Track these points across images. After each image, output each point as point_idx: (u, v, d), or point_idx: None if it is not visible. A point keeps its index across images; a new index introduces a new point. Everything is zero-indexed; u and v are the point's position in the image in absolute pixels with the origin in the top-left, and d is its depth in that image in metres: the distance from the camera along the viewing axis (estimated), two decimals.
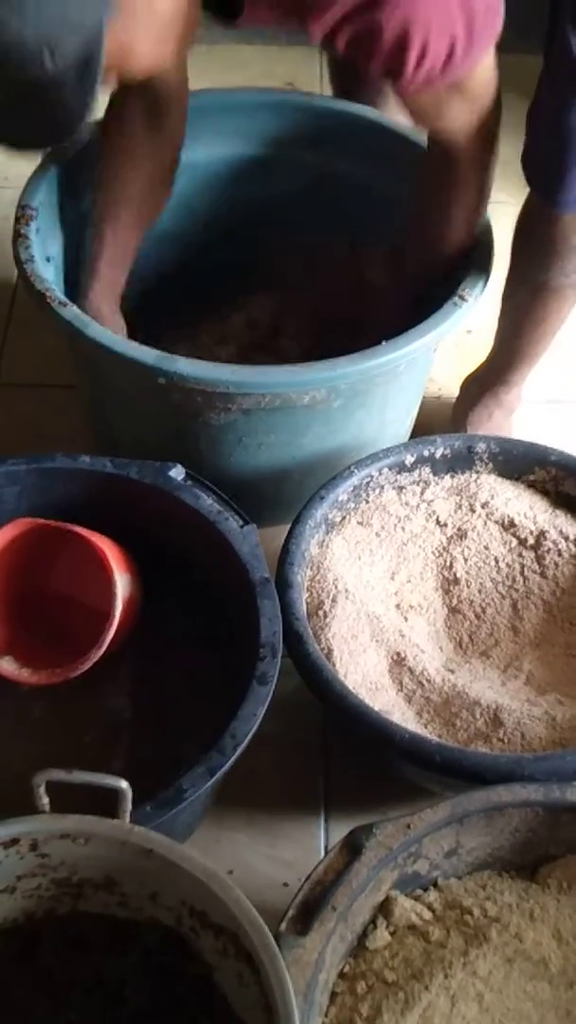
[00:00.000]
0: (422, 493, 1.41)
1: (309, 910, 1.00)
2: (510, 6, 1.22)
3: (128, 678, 1.31)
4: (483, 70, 1.25)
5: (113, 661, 1.27)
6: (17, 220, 1.42)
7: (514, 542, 1.39)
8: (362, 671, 1.27)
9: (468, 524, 1.40)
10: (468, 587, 1.37)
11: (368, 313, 1.58)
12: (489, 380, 1.60)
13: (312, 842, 1.30)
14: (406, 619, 1.35)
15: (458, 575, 1.37)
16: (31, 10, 0.94)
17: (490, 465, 1.43)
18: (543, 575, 1.37)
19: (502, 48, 1.26)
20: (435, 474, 1.43)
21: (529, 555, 1.38)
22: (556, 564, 1.37)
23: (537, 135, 1.34)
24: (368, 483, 1.39)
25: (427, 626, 1.35)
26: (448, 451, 1.42)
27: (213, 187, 1.65)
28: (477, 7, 1.17)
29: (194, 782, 1.06)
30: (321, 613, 1.29)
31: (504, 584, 1.37)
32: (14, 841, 0.98)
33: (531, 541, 1.38)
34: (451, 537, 1.39)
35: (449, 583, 1.38)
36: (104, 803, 0.97)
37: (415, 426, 1.63)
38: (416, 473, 1.42)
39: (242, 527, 1.24)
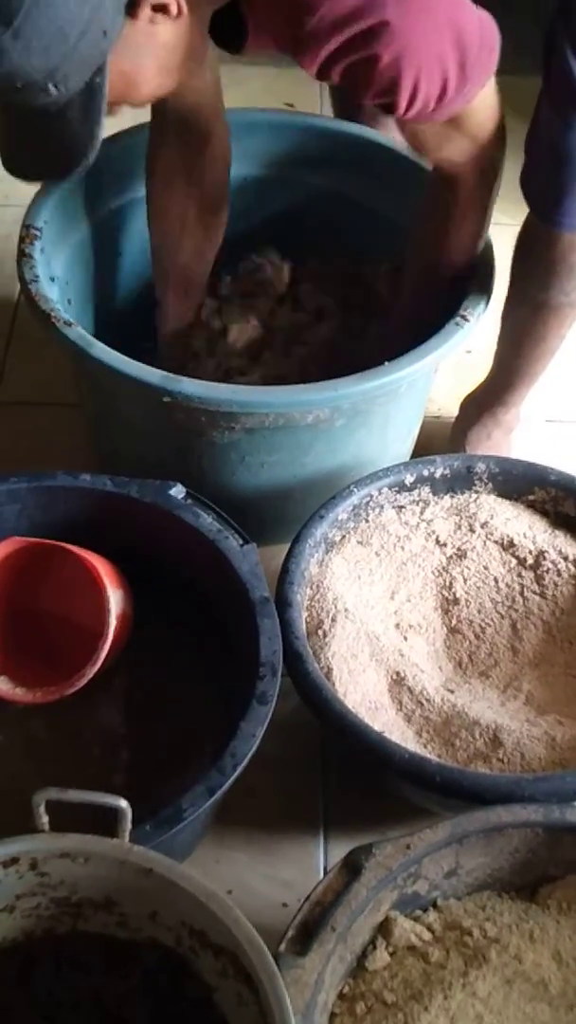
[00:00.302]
0: (422, 513, 1.42)
1: (308, 931, 0.99)
2: (508, 28, 1.23)
3: (126, 696, 1.31)
4: (481, 105, 1.25)
5: (108, 677, 1.27)
6: (22, 240, 1.43)
7: (513, 562, 1.39)
8: (361, 691, 1.27)
9: (468, 544, 1.40)
10: (468, 607, 1.37)
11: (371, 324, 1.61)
12: (488, 400, 1.61)
13: (311, 862, 1.30)
14: (406, 639, 1.35)
15: (458, 595, 1.37)
16: (34, 40, 0.96)
17: (489, 485, 1.44)
18: (542, 595, 1.37)
19: (501, 70, 1.27)
20: (435, 494, 1.43)
21: (528, 575, 1.38)
22: (555, 584, 1.37)
23: (536, 155, 1.34)
24: (368, 503, 1.39)
25: (427, 646, 1.36)
26: (448, 471, 1.42)
27: None
28: (471, 44, 1.17)
29: (194, 801, 1.06)
30: (321, 632, 1.30)
31: (504, 604, 1.37)
32: (14, 860, 0.98)
33: (530, 561, 1.39)
34: (451, 557, 1.40)
35: (449, 603, 1.38)
36: (104, 822, 0.97)
37: (415, 446, 1.64)
38: (416, 493, 1.42)
39: (242, 546, 1.24)
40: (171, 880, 0.96)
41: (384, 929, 1.09)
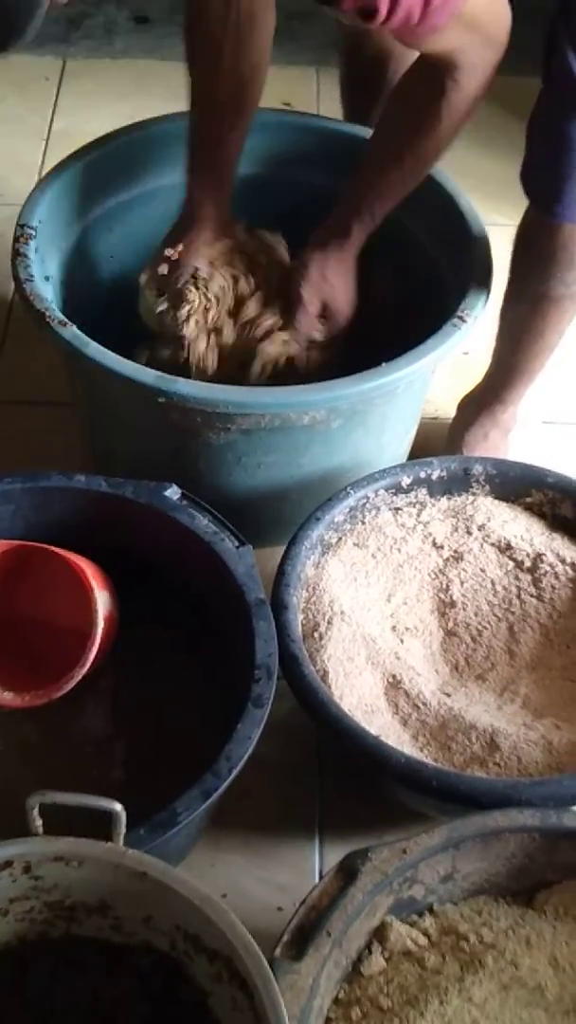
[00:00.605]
0: (418, 515, 1.41)
1: (304, 935, 0.99)
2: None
3: (120, 699, 1.31)
4: (475, 4, 1.15)
5: (95, 678, 1.26)
6: (16, 239, 1.43)
7: (510, 565, 1.39)
8: (358, 694, 1.27)
9: (464, 546, 1.39)
10: (464, 610, 1.37)
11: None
12: (485, 400, 1.61)
13: (307, 866, 1.29)
14: (402, 641, 1.34)
15: (454, 597, 1.37)
16: None
17: (487, 487, 1.43)
18: (540, 598, 1.37)
19: (500, 70, 1.27)
20: (431, 496, 1.42)
21: (526, 578, 1.38)
22: (553, 587, 1.37)
23: (536, 149, 1.35)
24: (364, 504, 1.39)
25: (423, 649, 1.35)
26: (445, 473, 1.42)
27: None
28: None
29: (188, 805, 1.05)
30: (316, 635, 1.29)
31: (500, 607, 1.37)
32: (7, 864, 0.97)
33: (528, 564, 1.38)
34: (447, 559, 1.39)
35: (445, 605, 1.37)
36: (98, 826, 0.97)
37: (412, 447, 1.63)
38: (412, 495, 1.41)
39: (238, 548, 1.24)
40: (165, 884, 0.96)
41: (380, 934, 1.08)
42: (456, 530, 1.41)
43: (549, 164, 1.32)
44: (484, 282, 1.44)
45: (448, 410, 1.70)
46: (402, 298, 1.59)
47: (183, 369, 1.45)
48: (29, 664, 1.25)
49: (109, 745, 1.27)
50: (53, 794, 0.95)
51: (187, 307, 1.44)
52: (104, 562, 1.27)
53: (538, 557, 1.38)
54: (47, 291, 1.40)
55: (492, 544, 1.39)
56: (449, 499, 1.43)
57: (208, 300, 1.46)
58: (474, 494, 1.43)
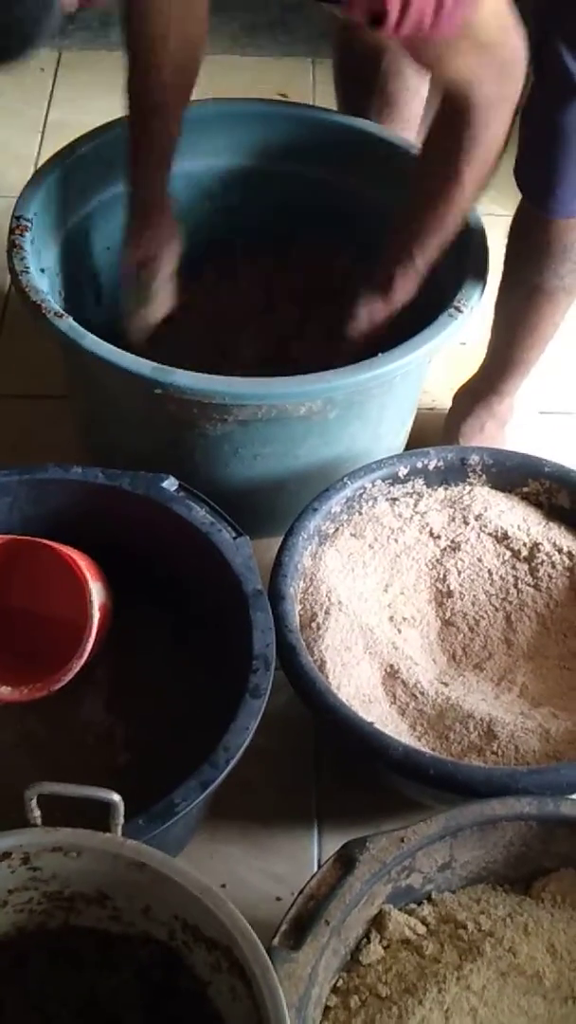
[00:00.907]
0: (415, 505, 1.41)
1: (302, 924, 0.99)
2: None
3: (116, 690, 1.31)
4: (490, 15, 1.12)
5: (90, 669, 1.25)
6: (12, 231, 1.42)
7: (507, 554, 1.39)
8: (355, 683, 1.27)
9: (461, 536, 1.39)
10: (462, 599, 1.37)
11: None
12: (482, 391, 1.60)
13: (305, 856, 1.29)
14: (399, 631, 1.34)
15: (451, 587, 1.37)
16: None
17: (483, 477, 1.43)
18: (537, 587, 1.37)
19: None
20: (428, 486, 1.42)
21: (523, 567, 1.38)
22: (550, 576, 1.37)
23: (529, 142, 1.34)
24: (361, 495, 1.39)
25: (420, 638, 1.35)
26: (441, 463, 1.42)
27: (208, 198, 1.65)
28: None
29: (186, 795, 1.05)
30: (314, 625, 1.29)
31: (498, 596, 1.37)
32: (5, 855, 0.97)
33: (524, 553, 1.38)
34: (444, 549, 1.39)
35: (442, 595, 1.37)
36: (96, 816, 0.97)
37: (409, 438, 1.63)
38: (409, 485, 1.41)
39: (235, 539, 1.24)
40: (164, 874, 0.96)
41: (378, 923, 1.09)
42: (453, 520, 1.41)
43: (541, 159, 1.32)
44: (480, 273, 1.44)
45: (445, 400, 1.70)
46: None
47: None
48: (24, 657, 1.25)
49: (107, 736, 1.27)
50: (51, 785, 0.95)
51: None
52: (101, 554, 1.27)
53: (535, 547, 1.38)
54: (43, 283, 1.40)
55: (489, 534, 1.40)
56: (446, 489, 1.43)
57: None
58: (471, 484, 1.43)
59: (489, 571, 1.38)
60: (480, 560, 1.38)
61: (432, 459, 1.42)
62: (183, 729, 1.24)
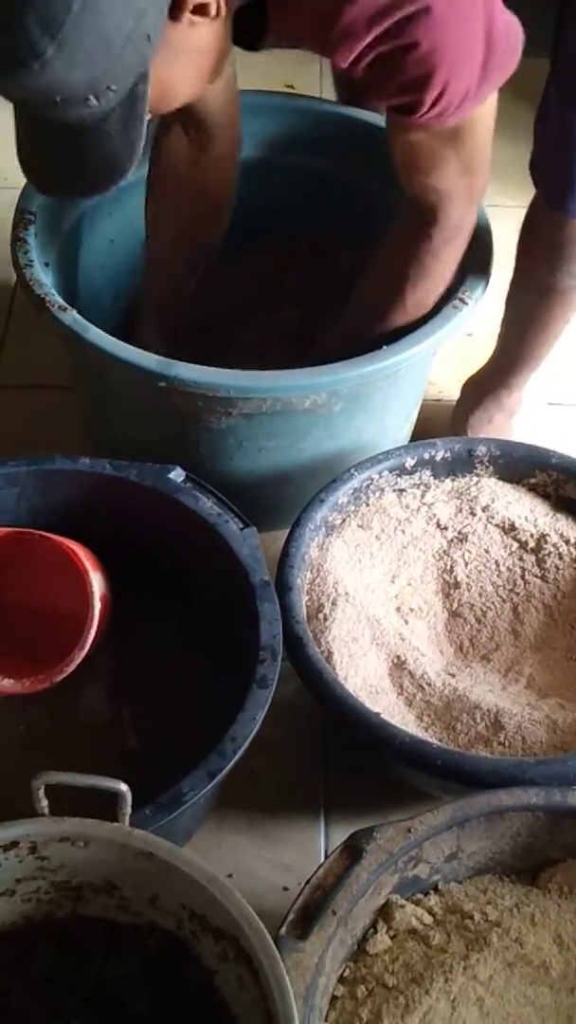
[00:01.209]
0: (422, 496, 1.41)
1: (309, 914, 0.99)
2: (517, 11, 1.20)
3: (125, 681, 1.31)
4: (481, 122, 1.19)
5: (92, 660, 1.25)
6: (16, 224, 1.42)
7: (515, 546, 1.39)
8: (362, 674, 1.27)
9: (469, 527, 1.39)
10: (469, 591, 1.37)
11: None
12: (490, 383, 1.60)
13: (312, 846, 1.29)
14: (406, 622, 1.34)
15: (459, 578, 1.37)
16: (78, 51, 0.90)
17: (491, 468, 1.43)
18: (544, 579, 1.37)
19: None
20: (435, 477, 1.42)
21: (530, 559, 1.38)
22: (557, 568, 1.37)
23: (545, 142, 1.33)
24: (368, 486, 1.39)
25: (427, 629, 1.35)
26: (448, 454, 1.42)
27: None
28: (498, 41, 1.11)
29: (194, 785, 1.05)
30: (321, 616, 1.29)
31: (505, 588, 1.37)
32: (13, 844, 0.98)
33: (532, 545, 1.38)
34: (451, 540, 1.39)
35: (450, 586, 1.37)
36: (103, 806, 0.97)
37: (415, 429, 1.63)
38: (416, 476, 1.41)
39: (242, 530, 1.24)
40: (171, 864, 0.96)
41: (385, 913, 1.09)
42: (460, 511, 1.41)
43: (558, 158, 1.31)
44: (485, 265, 1.43)
45: (451, 392, 1.70)
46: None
47: None
48: (25, 650, 1.25)
49: (115, 727, 1.28)
50: (58, 775, 0.95)
51: None
52: (108, 544, 1.27)
53: (542, 538, 1.38)
54: (47, 276, 1.40)
55: (496, 525, 1.39)
56: (453, 480, 1.43)
57: None
58: (478, 475, 1.43)
59: (496, 562, 1.38)
60: (487, 551, 1.38)
61: (439, 450, 1.41)
62: (190, 720, 1.25)
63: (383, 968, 1.06)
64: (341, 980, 1.06)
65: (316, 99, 1.75)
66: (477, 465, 1.43)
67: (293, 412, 1.34)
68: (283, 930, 0.98)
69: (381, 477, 1.39)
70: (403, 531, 1.39)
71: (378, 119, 1.63)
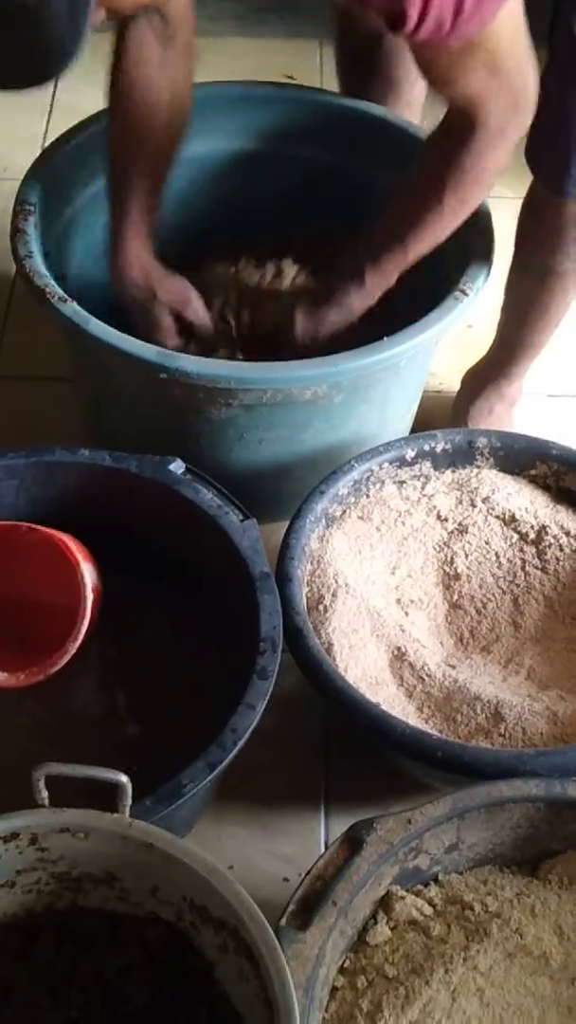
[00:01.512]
0: (423, 488, 1.41)
1: (309, 905, 0.99)
2: None
3: (123, 673, 1.31)
4: (502, 28, 1.12)
5: (85, 652, 1.24)
6: (15, 215, 1.42)
7: (515, 537, 1.39)
8: (362, 666, 1.27)
9: (469, 519, 1.39)
10: (469, 582, 1.37)
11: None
12: (490, 374, 1.60)
13: (312, 837, 1.30)
14: (407, 614, 1.34)
15: (459, 570, 1.37)
16: None
17: (491, 460, 1.43)
18: (544, 570, 1.37)
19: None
20: (436, 469, 1.42)
21: (530, 550, 1.38)
22: (557, 559, 1.37)
23: (542, 124, 1.33)
24: (368, 477, 1.39)
25: (428, 621, 1.35)
26: (449, 446, 1.42)
27: (213, 181, 1.65)
28: None
29: (194, 776, 1.05)
30: (321, 608, 1.29)
31: (505, 579, 1.37)
32: (13, 835, 0.98)
33: (532, 536, 1.38)
34: (452, 532, 1.39)
35: (450, 578, 1.37)
36: (104, 798, 0.97)
37: (416, 421, 1.63)
38: (417, 468, 1.41)
39: (242, 521, 1.24)
40: (172, 855, 0.96)
41: (385, 904, 1.09)
42: (460, 503, 1.41)
43: (554, 141, 1.31)
44: (486, 255, 1.43)
45: (452, 383, 1.69)
46: (403, 272, 1.58)
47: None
48: (16, 642, 1.24)
49: (115, 719, 1.28)
50: (58, 766, 0.95)
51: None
52: (107, 536, 1.27)
53: (542, 529, 1.38)
54: (47, 267, 1.40)
55: (496, 516, 1.39)
56: (453, 472, 1.43)
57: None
58: (478, 467, 1.43)
59: (496, 554, 1.38)
60: (487, 543, 1.38)
61: (439, 442, 1.41)
62: (190, 711, 1.25)
63: (383, 959, 1.06)
64: (341, 971, 1.06)
65: (316, 90, 1.74)
66: (477, 457, 1.43)
67: (294, 403, 1.34)
68: (283, 921, 0.98)
69: (381, 469, 1.39)
70: (403, 523, 1.39)
71: (379, 110, 1.63)
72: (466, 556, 1.38)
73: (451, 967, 1.04)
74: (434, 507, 1.40)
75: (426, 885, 1.12)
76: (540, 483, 1.43)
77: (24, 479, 1.28)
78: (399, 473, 1.41)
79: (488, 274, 1.42)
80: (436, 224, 1.33)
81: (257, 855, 1.27)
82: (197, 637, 1.31)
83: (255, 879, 1.22)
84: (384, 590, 1.35)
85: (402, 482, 1.41)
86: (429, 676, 1.27)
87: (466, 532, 1.39)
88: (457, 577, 1.37)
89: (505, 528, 1.39)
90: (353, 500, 1.38)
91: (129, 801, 0.97)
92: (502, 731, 1.22)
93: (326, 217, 1.68)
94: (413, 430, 1.61)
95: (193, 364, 1.29)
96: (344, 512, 1.38)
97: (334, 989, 1.04)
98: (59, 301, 1.34)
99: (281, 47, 2.26)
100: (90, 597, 1.19)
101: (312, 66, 2.21)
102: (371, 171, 1.62)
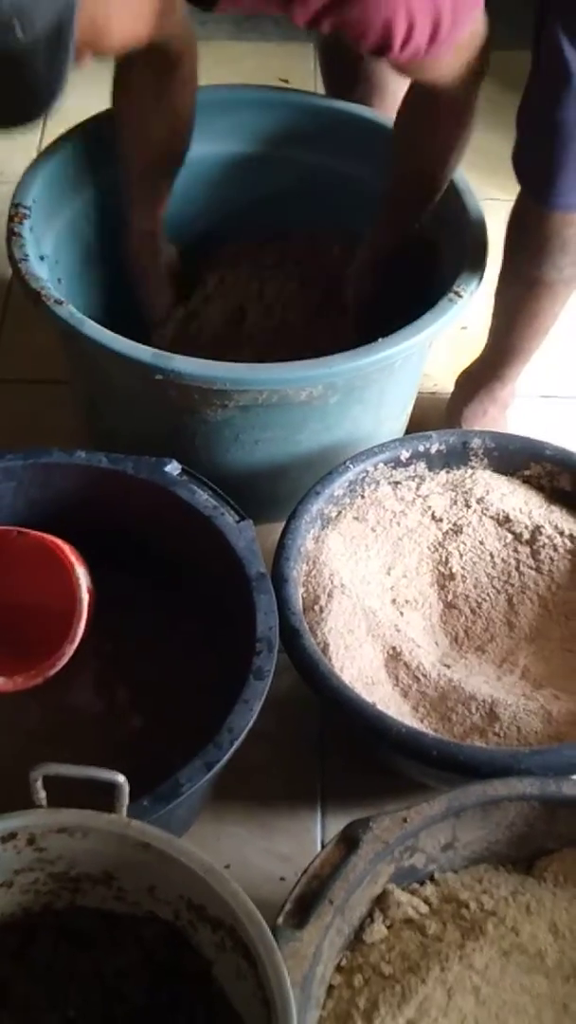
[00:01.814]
0: (417, 488, 1.42)
1: (306, 904, 1.00)
2: (501, 2, 1.22)
3: (115, 673, 1.31)
4: (471, 33, 1.24)
5: (81, 653, 1.24)
6: (11, 218, 1.42)
7: (509, 537, 1.39)
8: (358, 666, 1.27)
9: (463, 519, 1.40)
10: (464, 582, 1.37)
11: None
12: (484, 376, 1.61)
13: (309, 836, 1.30)
14: (402, 614, 1.35)
15: (454, 570, 1.38)
16: None
17: (485, 460, 1.44)
18: (538, 570, 1.37)
19: (493, 45, 1.26)
20: (430, 469, 1.43)
21: (524, 550, 1.38)
22: (551, 559, 1.37)
23: (527, 134, 1.34)
24: (364, 478, 1.39)
25: (423, 621, 1.36)
26: (443, 447, 1.42)
27: (207, 184, 1.65)
28: None
29: (191, 776, 1.06)
30: (317, 608, 1.30)
31: (499, 579, 1.37)
32: (11, 835, 0.98)
33: (526, 536, 1.39)
34: (446, 532, 1.40)
35: (445, 578, 1.38)
36: (101, 798, 0.97)
37: (410, 422, 1.63)
38: (411, 468, 1.42)
39: (238, 522, 1.24)
40: (169, 854, 0.96)
41: (382, 902, 1.09)
42: (455, 503, 1.41)
43: (540, 151, 1.31)
44: (480, 258, 1.44)
45: (446, 384, 1.70)
46: (398, 273, 1.59)
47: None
48: (11, 646, 1.24)
49: (111, 719, 1.28)
50: (55, 766, 0.96)
51: None
52: (104, 537, 1.27)
53: (536, 529, 1.39)
54: (42, 270, 1.40)
55: (491, 517, 1.40)
56: (448, 472, 1.43)
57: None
58: (473, 467, 1.44)
59: (491, 554, 1.38)
60: (482, 543, 1.39)
61: (434, 442, 1.42)
62: (187, 712, 1.25)
63: (380, 957, 1.06)
64: (338, 969, 1.06)
65: (310, 93, 1.75)
66: (472, 457, 1.43)
67: (289, 404, 1.34)
68: (280, 920, 0.98)
69: (376, 469, 1.39)
70: (398, 523, 1.39)
71: (372, 113, 1.64)
72: (461, 556, 1.38)
73: (447, 965, 1.04)
74: (429, 508, 1.41)
75: (422, 884, 1.12)
76: (534, 484, 1.44)
77: (22, 481, 1.29)
78: (394, 474, 1.41)
79: (482, 276, 1.43)
80: (434, 163, 1.44)
81: (254, 854, 1.28)
82: (193, 638, 1.32)
83: (252, 878, 1.22)
84: (379, 590, 1.35)
85: (397, 483, 1.42)
86: (424, 676, 1.28)
87: (461, 532, 1.39)
88: (452, 577, 1.38)
89: (499, 528, 1.40)
90: (348, 501, 1.39)
91: (126, 801, 0.97)
92: (497, 730, 1.23)
93: (320, 218, 1.69)
94: (408, 431, 1.62)
95: (188, 365, 1.30)
96: (339, 513, 1.38)
97: (331, 987, 1.05)
98: (55, 304, 1.34)
99: (275, 51, 2.27)
100: (86, 598, 1.19)
101: (306, 70, 2.21)
102: (366, 173, 1.63)
